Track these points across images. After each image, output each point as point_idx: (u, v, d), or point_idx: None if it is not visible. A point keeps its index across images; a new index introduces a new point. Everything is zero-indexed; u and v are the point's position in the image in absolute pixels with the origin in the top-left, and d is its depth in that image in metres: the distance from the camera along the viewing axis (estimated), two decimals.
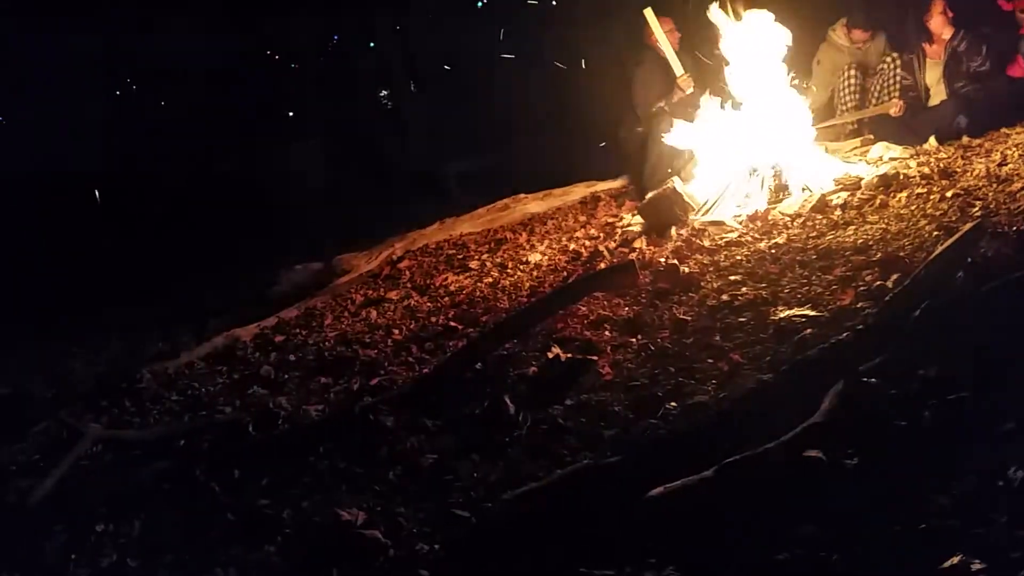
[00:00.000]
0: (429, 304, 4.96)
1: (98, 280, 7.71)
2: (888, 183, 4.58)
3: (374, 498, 2.74)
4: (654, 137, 5.89)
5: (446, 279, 5.42)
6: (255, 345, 4.89)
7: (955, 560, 1.66)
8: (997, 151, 4.80)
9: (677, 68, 5.95)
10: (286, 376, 4.21)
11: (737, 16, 5.34)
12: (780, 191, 4.96)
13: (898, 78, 6.15)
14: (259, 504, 2.85)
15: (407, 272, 5.93)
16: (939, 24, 5.89)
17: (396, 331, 4.54)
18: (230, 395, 4.10)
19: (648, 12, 5.93)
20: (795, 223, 4.46)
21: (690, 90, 5.88)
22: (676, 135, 5.50)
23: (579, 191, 6.90)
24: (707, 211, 4.98)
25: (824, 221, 4.38)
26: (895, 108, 6.04)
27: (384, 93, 12.18)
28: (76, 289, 7.46)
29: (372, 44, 12.30)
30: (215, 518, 2.82)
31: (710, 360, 3.02)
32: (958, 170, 4.62)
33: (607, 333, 3.59)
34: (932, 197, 4.24)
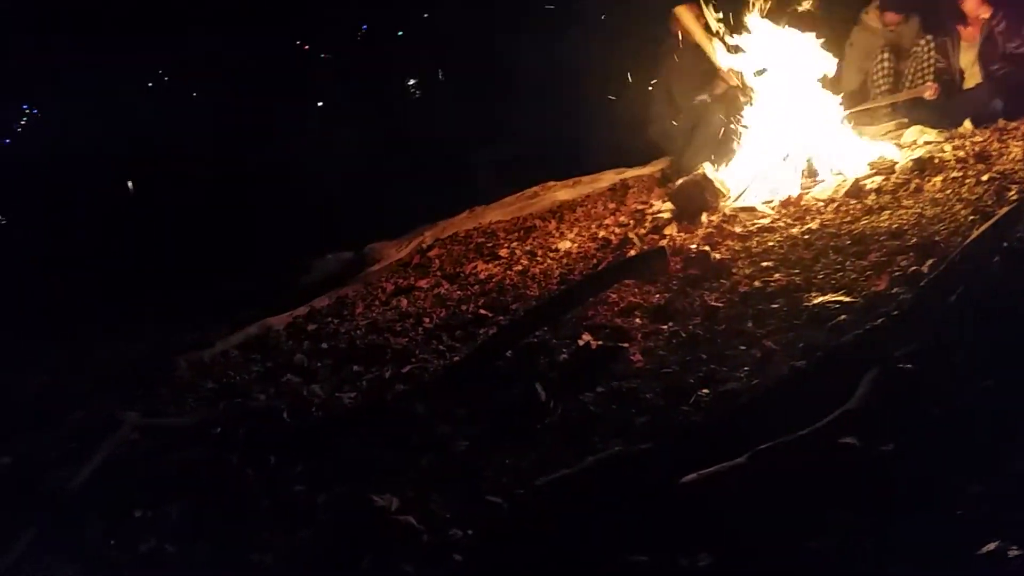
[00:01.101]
0: (459, 292, 4.97)
1: (131, 269, 7.84)
2: (923, 167, 4.51)
3: (407, 484, 2.75)
4: (701, 126, 5.87)
5: (476, 267, 5.43)
6: (288, 334, 4.94)
7: (992, 547, 1.65)
8: None
9: (720, 60, 5.89)
10: (319, 364, 4.25)
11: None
12: (813, 176, 4.91)
13: (932, 61, 6.05)
14: (294, 490, 2.88)
15: (437, 261, 5.96)
16: (974, 5, 5.79)
17: (427, 319, 4.56)
18: (264, 383, 4.15)
19: (681, 10, 5.88)
20: (828, 208, 4.42)
21: (735, 82, 5.83)
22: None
23: (608, 178, 6.88)
24: (738, 197, 4.94)
25: (858, 206, 4.33)
26: (929, 91, 5.95)
27: (413, 82, 12.22)
28: (110, 278, 7.59)
29: (400, 33, 12.32)
30: (251, 504, 2.86)
31: (742, 347, 3.00)
32: (994, 153, 4.54)
33: (637, 320, 3.58)
34: (968, 181, 4.18)
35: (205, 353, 4.71)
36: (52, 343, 5.78)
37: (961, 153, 4.64)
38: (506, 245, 5.84)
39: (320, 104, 12.27)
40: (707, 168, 5.02)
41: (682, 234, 4.65)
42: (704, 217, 4.75)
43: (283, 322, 5.12)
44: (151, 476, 3.28)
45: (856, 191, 4.51)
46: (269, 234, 7.96)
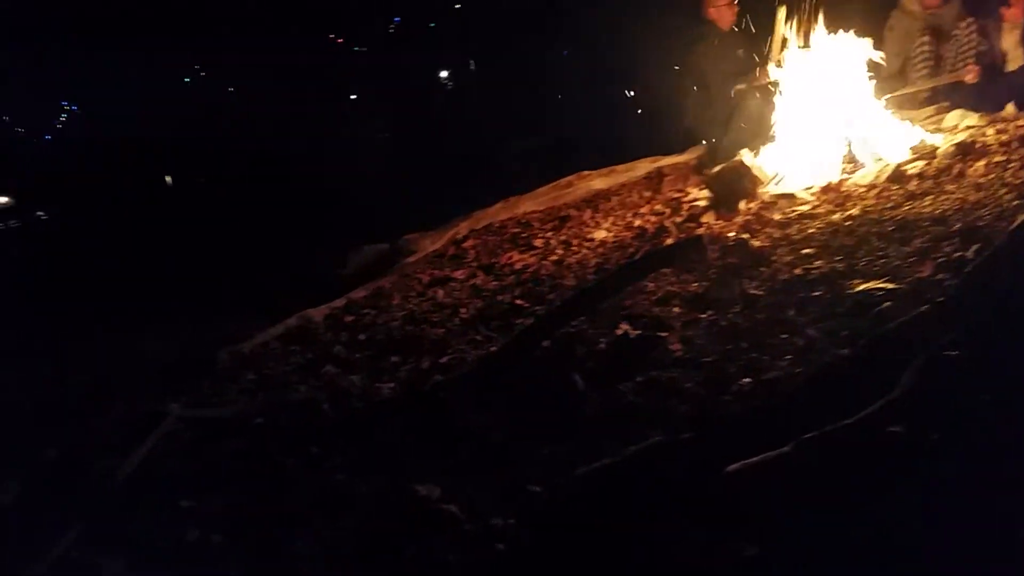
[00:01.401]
0: (495, 283, 4.98)
1: (171, 262, 7.95)
2: (965, 151, 4.44)
3: (448, 474, 2.76)
4: (739, 113, 5.81)
5: (511, 257, 5.43)
6: (326, 325, 4.98)
7: None
8: None
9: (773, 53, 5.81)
10: (357, 355, 4.27)
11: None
12: (853, 161, 4.84)
13: (974, 43, 5.94)
14: (336, 480, 2.91)
15: (472, 251, 5.96)
16: None
17: (463, 310, 4.57)
18: (304, 374, 4.19)
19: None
20: (870, 194, 4.36)
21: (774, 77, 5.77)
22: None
23: (643, 166, 6.82)
24: (777, 183, 4.88)
25: (900, 191, 4.27)
26: (971, 74, 5.83)
27: (445, 74, 12.23)
28: (149, 271, 7.71)
29: (433, 24, 12.35)
30: (294, 494, 2.89)
31: (784, 335, 2.97)
32: None
33: (676, 309, 3.55)
34: (1011, 165, 4.10)
35: (245, 345, 4.76)
36: (95, 336, 5.88)
37: (1004, 137, 4.55)
38: (541, 235, 5.84)
39: (354, 97, 12.34)
40: (745, 155, 4.96)
41: (720, 222, 4.62)
42: (742, 204, 4.70)
43: (321, 314, 5.16)
44: (196, 467, 3.33)
45: (898, 176, 4.45)
46: (305, 227, 8.03)
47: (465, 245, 6.15)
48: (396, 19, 12.80)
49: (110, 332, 5.91)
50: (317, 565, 2.47)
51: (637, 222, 5.35)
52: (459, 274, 5.38)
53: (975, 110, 5.32)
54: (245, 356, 4.65)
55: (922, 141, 4.81)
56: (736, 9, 6.10)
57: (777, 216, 4.36)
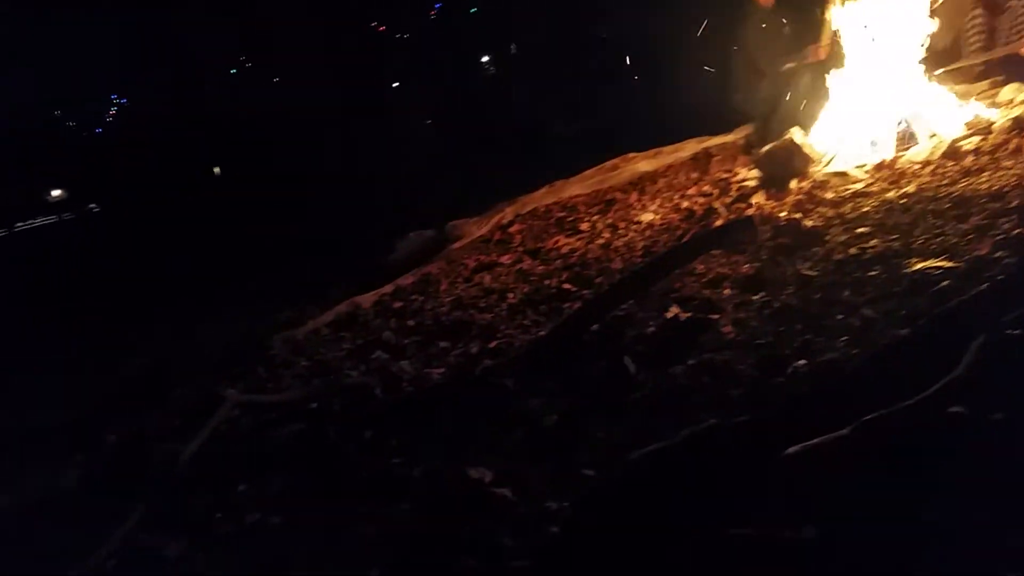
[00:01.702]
0: (542, 267, 4.98)
1: (222, 252, 8.08)
2: (1021, 126, 4.31)
3: (500, 458, 2.77)
4: (790, 92, 5.72)
5: (557, 242, 5.43)
6: (375, 312, 5.03)
7: None
8: None
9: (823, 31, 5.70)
10: (406, 341, 4.31)
11: None
12: (907, 138, 4.73)
13: None
14: (390, 463, 2.94)
15: (518, 236, 5.97)
16: None
17: (510, 295, 4.58)
18: (355, 360, 4.24)
19: None
20: (925, 171, 4.26)
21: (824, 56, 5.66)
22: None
23: (690, 147, 6.75)
24: (830, 162, 4.80)
25: (955, 168, 4.17)
26: None
27: (487, 59, 12.20)
28: (201, 261, 7.85)
29: (474, 10, 12.32)
30: (349, 477, 2.93)
31: (840, 316, 2.92)
32: None
33: (727, 291, 3.52)
34: None
35: (298, 332, 4.84)
36: (153, 325, 6.02)
37: None
38: (587, 219, 5.82)
39: (396, 84, 12.38)
40: (796, 133, 4.88)
41: (770, 202, 4.55)
42: (794, 184, 4.63)
43: (370, 300, 5.21)
44: (253, 451, 3.39)
45: (953, 152, 4.34)
46: (353, 215, 8.10)
47: (511, 230, 6.15)
48: (438, 5, 12.80)
49: (167, 320, 6.04)
50: (374, 547, 2.50)
51: (685, 204, 5.30)
52: (506, 259, 5.39)
53: None
54: (298, 342, 4.73)
55: (977, 116, 4.68)
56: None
57: (830, 195, 4.28)
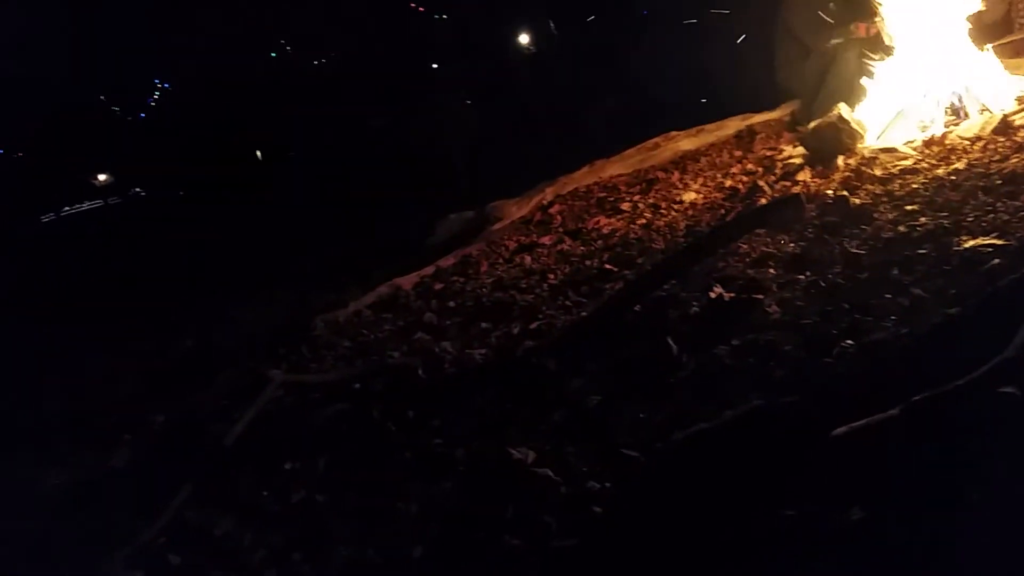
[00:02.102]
0: (582, 248, 4.95)
1: (265, 234, 8.18)
2: None
3: (542, 438, 2.78)
4: (835, 68, 5.60)
5: (598, 222, 5.39)
6: (416, 293, 5.05)
7: None
8: None
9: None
10: (448, 322, 4.33)
11: None
12: (957, 113, 4.62)
13: None
14: (433, 443, 2.96)
15: (558, 217, 5.94)
16: None
17: (551, 275, 4.56)
18: (397, 341, 4.27)
19: None
20: (975, 147, 4.15)
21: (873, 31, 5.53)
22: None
23: (733, 125, 6.64)
24: (878, 138, 4.70)
25: (1007, 143, 4.06)
26: None
27: (526, 39, 12.14)
28: (245, 243, 7.95)
29: None
30: (394, 456, 2.96)
31: (888, 295, 2.86)
32: None
33: (772, 271, 3.46)
34: None
35: (340, 313, 4.88)
36: (199, 308, 6.11)
37: None
38: (628, 199, 5.77)
39: (436, 66, 12.37)
40: (843, 108, 4.78)
41: (816, 179, 4.47)
42: (840, 161, 4.53)
43: (411, 282, 5.23)
44: (299, 431, 3.44)
45: (1004, 128, 4.22)
46: (393, 196, 8.14)
47: (551, 211, 6.13)
48: None
49: (211, 303, 6.14)
50: (418, 525, 2.53)
51: (728, 182, 5.23)
52: (546, 240, 5.37)
53: None
54: (340, 324, 4.77)
55: None
56: None
57: (878, 172, 4.19)
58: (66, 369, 5.43)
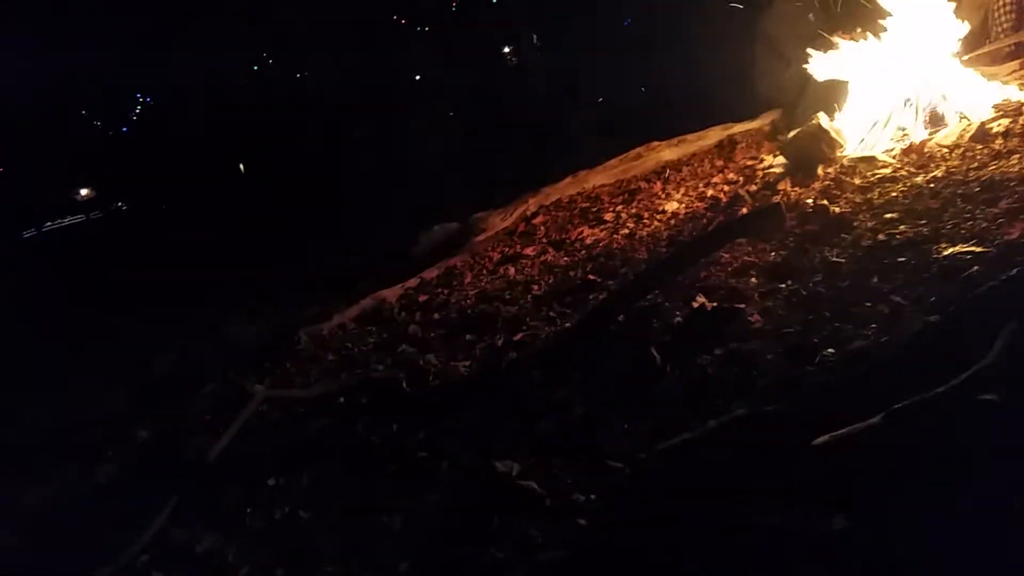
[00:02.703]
0: (566, 258, 4.96)
1: (247, 247, 8.14)
2: None
3: (527, 450, 2.77)
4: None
5: (581, 232, 5.41)
6: (400, 305, 5.04)
7: None
8: None
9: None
10: (432, 334, 4.32)
11: None
12: (935, 122, 4.66)
13: None
14: (418, 456, 2.95)
15: (542, 227, 5.96)
16: None
17: (535, 287, 4.57)
18: (381, 353, 4.26)
19: None
20: (953, 154, 4.19)
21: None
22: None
23: (715, 134, 6.69)
24: (857, 147, 4.74)
25: (985, 151, 4.09)
26: None
27: (508, 49, 12.17)
28: (228, 256, 7.91)
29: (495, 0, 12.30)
30: (378, 470, 2.95)
31: (868, 303, 2.88)
32: None
33: (754, 280, 3.49)
34: None
35: (324, 326, 4.87)
36: (181, 320, 6.08)
37: None
38: (611, 209, 5.79)
39: (418, 77, 12.38)
40: (822, 118, 4.82)
41: (797, 189, 4.50)
42: (820, 170, 4.57)
43: (395, 294, 5.23)
44: (282, 445, 3.42)
45: (982, 135, 4.26)
46: (375, 208, 8.13)
47: (535, 221, 6.14)
48: None
49: (195, 317, 6.11)
50: (403, 539, 2.52)
51: (710, 192, 5.25)
52: (530, 251, 5.38)
53: None
54: (324, 337, 4.76)
55: (1007, 98, 4.60)
56: None
57: (857, 181, 4.23)
58: (49, 384, 5.39)
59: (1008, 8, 5.86)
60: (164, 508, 3.09)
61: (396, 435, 3.19)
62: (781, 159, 5.03)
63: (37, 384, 5.43)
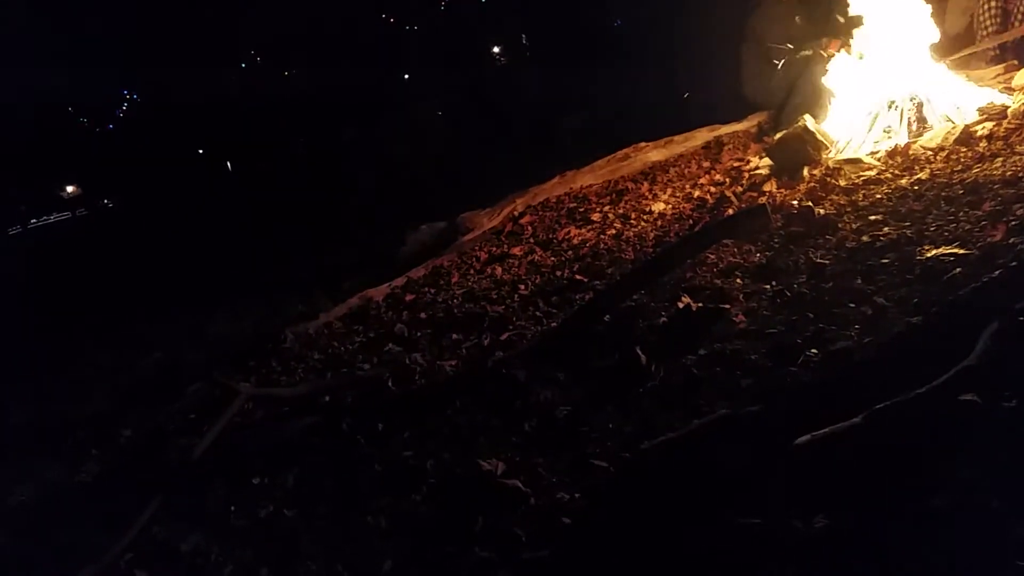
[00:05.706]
0: (553, 258, 4.97)
1: (234, 246, 8.11)
2: None
3: (512, 449, 2.78)
4: (803, 78, 5.68)
5: (568, 233, 5.42)
6: (387, 304, 5.04)
7: None
8: None
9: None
10: (418, 334, 4.32)
11: None
12: (920, 124, 4.70)
13: None
14: (403, 456, 2.95)
15: (529, 227, 5.96)
16: None
17: (522, 286, 4.58)
18: (367, 352, 4.26)
19: None
20: (938, 157, 4.22)
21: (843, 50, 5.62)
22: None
23: (701, 136, 6.73)
24: (842, 149, 4.76)
25: (969, 154, 4.13)
26: None
27: (497, 50, 12.17)
28: (214, 255, 7.88)
29: (483, 0, 12.29)
30: (363, 469, 2.95)
31: (852, 304, 2.90)
32: None
33: (739, 280, 3.50)
34: None
35: (310, 325, 4.86)
36: (167, 319, 6.06)
37: None
38: (598, 209, 5.80)
39: (407, 76, 12.37)
40: (808, 120, 4.84)
41: (782, 190, 4.53)
42: (806, 171, 4.59)
43: (382, 293, 5.23)
44: (267, 444, 3.41)
45: (966, 138, 4.29)
46: (363, 207, 8.12)
47: (522, 221, 6.15)
48: None
49: (181, 315, 6.09)
50: (387, 539, 2.52)
51: (696, 193, 5.28)
52: (517, 250, 5.39)
53: None
54: (310, 336, 4.75)
55: (991, 101, 4.64)
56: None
57: (842, 182, 4.25)
58: (34, 383, 5.36)
59: (993, 12, 5.91)
60: (148, 507, 3.08)
61: (381, 434, 3.19)
62: (767, 161, 5.06)
63: (20, 383, 5.40)
